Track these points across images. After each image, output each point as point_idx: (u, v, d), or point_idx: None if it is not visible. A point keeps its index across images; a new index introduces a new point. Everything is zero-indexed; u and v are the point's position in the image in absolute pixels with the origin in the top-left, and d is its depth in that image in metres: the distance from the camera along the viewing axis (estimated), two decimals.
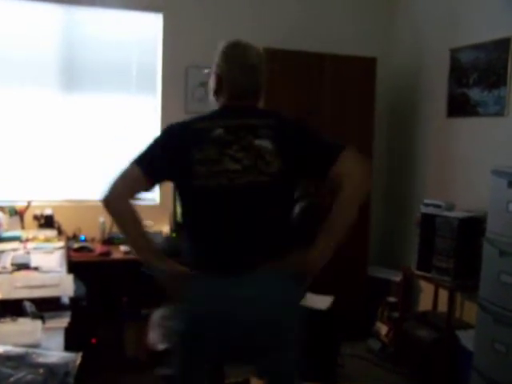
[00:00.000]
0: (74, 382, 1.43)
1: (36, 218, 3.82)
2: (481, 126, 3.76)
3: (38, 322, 1.89)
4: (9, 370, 1.40)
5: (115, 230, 3.83)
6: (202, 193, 1.85)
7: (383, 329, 4.15)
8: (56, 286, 2.32)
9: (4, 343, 1.62)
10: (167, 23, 4.18)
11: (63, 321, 2.00)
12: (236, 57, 1.97)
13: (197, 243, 1.92)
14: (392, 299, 4.17)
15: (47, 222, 3.81)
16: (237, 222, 1.86)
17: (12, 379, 1.37)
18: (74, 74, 4.03)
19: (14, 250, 3.13)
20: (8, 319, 1.90)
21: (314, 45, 4.25)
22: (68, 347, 1.76)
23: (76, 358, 1.54)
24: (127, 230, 1.90)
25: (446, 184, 4.09)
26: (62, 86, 4.01)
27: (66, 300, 2.19)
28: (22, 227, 3.74)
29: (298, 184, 1.99)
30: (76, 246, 3.69)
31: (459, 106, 3.95)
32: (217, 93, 2.00)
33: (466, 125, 3.91)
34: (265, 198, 1.88)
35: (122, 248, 3.70)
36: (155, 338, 3.14)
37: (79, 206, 4.02)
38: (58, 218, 3.87)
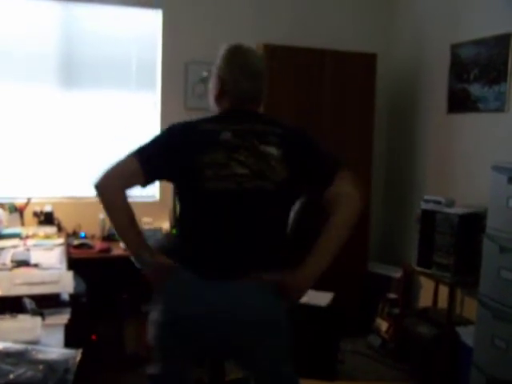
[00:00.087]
0: (73, 378, 1.43)
1: (36, 214, 3.82)
2: (481, 121, 3.75)
3: (38, 319, 1.89)
4: (8, 367, 1.40)
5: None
6: (207, 195, 1.84)
7: (383, 325, 4.15)
8: (56, 282, 2.32)
9: (4, 340, 1.62)
10: (167, 19, 4.17)
11: (63, 317, 2.00)
12: (239, 62, 1.96)
13: (191, 243, 1.90)
14: (392, 295, 4.17)
15: (47, 218, 3.81)
16: (238, 226, 1.85)
17: (12, 376, 1.36)
18: (73, 70, 4.03)
19: (14, 246, 3.13)
20: (8, 316, 1.90)
21: (314, 41, 4.24)
22: (68, 344, 1.76)
23: (76, 354, 1.54)
24: (116, 219, 1.88)
25: (446, 180, 4.08)
26: (61, 83, 4.01)
27: (65, 297, 2.19)
28: (22, 224, 3.74)
29: (298, 195, 1.99)
30: (76, 242, 3.69)
31: (459, 102, 3.94)
32: (218, 97, 1.98)
33: (466, 120, 3.90)
34: (268, 205, 1.87)
35: (122, 245, 3.69)
36: None
37: (79, 203, 4.02)
38: (57, 215, 3.87)
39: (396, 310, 4.05)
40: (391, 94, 4.76)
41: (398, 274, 4.17)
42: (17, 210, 3.75)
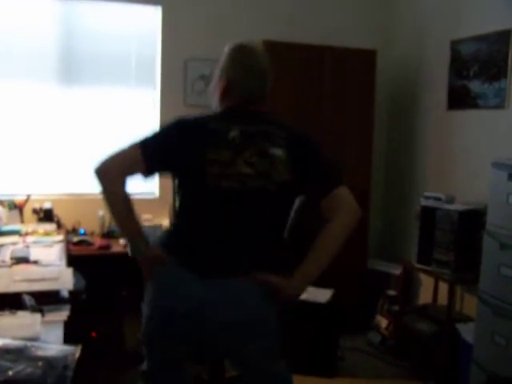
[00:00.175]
0: (72, 375, 1.43)
1: (35, 211, 3.82)
2: (481, 118, 3.75)
3: (37, 316, 1.89)
4: (8, 363, 1.40)
5: (114, 223, 3.83)
6: (209, 192, 1.84)
7: (383, 322, 4.15)
8: (55, 279, 2.32)
9: (3, 336, 1.62)
10: (166, 16, 4.17)
11: (62, 314, 1.99)
12: (244, 61, 1.95)
13: (187, 238, 1.90)
14: (392, 292, 4.17)
15: (46, 215, 3.81)
16: (237, 225, 1.85)
17: (11, 372, 1.36)
18: (72, 67, 4.02)
19: (14, 243, 3.13)
20: (7, 312, 1.90)
21: (313, 37, 4.23)
22: (67, 341, 1.76)
23: (75, 351, 1.54)
24: (114, 205, 1.88)
25: (446, 176, 4.08)
26: (61, 79, 4.00)
27: (65, 293, 2.19)
28: (22, 221, 3.74)
29: (297, 197, 1.99)
30: (75, 239, 3.69)
31: (459, 98, 3.93)
32: (223, 96, 1.97)
33: (466, 117, 3.89)
34: (268, 205, 1.87)
35: (122, 241, 3.70)
36: None
37: (78, 200, 4.02)
38: (57, 212, 3.86)
39: (396, 307, 4.04)
40: (391, 91, 4.75)
41: (397, 270, 4.16)
42: (16, 207, 3.75)
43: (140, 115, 4.19)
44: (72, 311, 2.04)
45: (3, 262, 2.70)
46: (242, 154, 1.83)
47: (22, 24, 3.87)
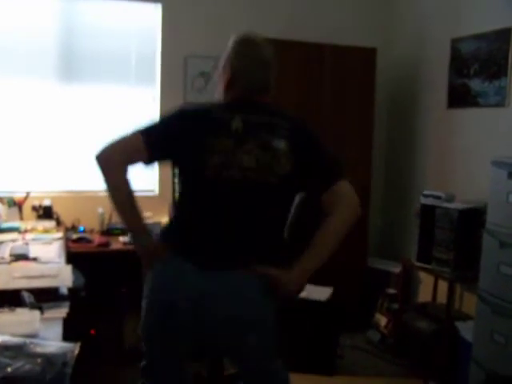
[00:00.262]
0: (71, 372, 1.42)
1: (35, 208, 3.81)
2: (481, 116, 3.74)
3: (36, 312, 1.89)
4: (7, 360, 1.40)
5: (114, 220, 3.83)
6: (211, 182, 1.83)
7: (383, 320, 4.15)
8: (54, 276, 2.32)
9: (2, 333, 1.61)
10: (166, 13, 4.16)
11: (61, 311, 1.99)
12: (250, 52, 1.96)
13: (188, 231, 1.89)
14: (391, 290, 4.17)
15: (46, 212, 3.80)
16: (237, 217, 1.84)
17: (10, 369, 1.36)
18: (72, 64, 4.01)
19: (13, 240, 3.12)
20: (6, 309, 1.89)
21: (313, 35, 4.22)
22: (66, 338, 1.75)
23: (74, 348, 1.53)
24: (115, 194, 1.87)
25: (445, 175, 4.07)
26: (61, 76, 3.99)
27: (64, 290, 2.18)
28: (21, 218, 3.73)
29: (299, 190, 1.98)
30: (75, 236, 3.68)
31: (460, 97, 3.93)
32: (227, 87, 1.97)
33: (466, 116, 3.89)
34: (269, 198, 1.86)
35: (121, 239, 3.70)
36: None
37: (78, 197, 4.02)
38: (56, 209, 3.86)
39: (395, 305, 4.05)
40: (391, 89, 4.75)
41: (397, 269, 4.16)
42: (16, 204, 3.75)
43: (140, 112, 4.18)
44: (71, 308, 2.03)
45: (2, 258, 2.70)
46: (244, 145, 1.82)
47: (22, 21, 3.86)
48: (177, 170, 2.00)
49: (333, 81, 4.19)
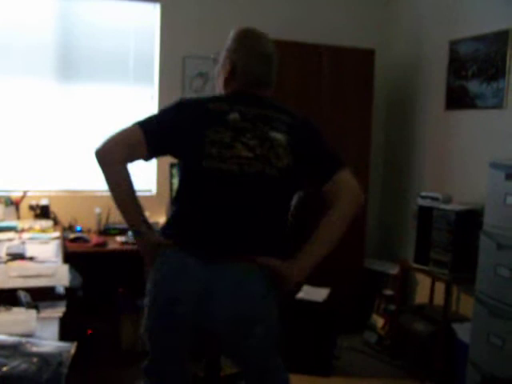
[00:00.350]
0: (67, 371, 1.42)
1: (32, 208, 3.80)
2: (479, 118, 3.75)
3: (33, 312, 1.88)
4: (2, 359, 1.39)
5: (111, 220, 3.83)
6: (209, 174, 1.82)
7: (379, 321, 4.15)
8: (51, 275, 2.31)
9: None
10: (164, 13, 4.15)
11: (58, 311, 1.98)
12: (251, 45, 1.95)
13: (189, 223, 1.87)
14: (388, 292, 4.18)
15: (43, 212, 3.79)
16: (237, 209, 1.83)
17: (5, 368, 1.35)
18: (70, 64, 4.01)
19: (10, 240, 3.11)
20: (2, 308, 1.89)
21: (311, 36, 4.22)
22: (63, 337, 1.75)
23: (70, 347, 1.53)
24: (115, 189, 1.86)
25: (443, 176, 4.08)
26: (59, 75, 3.99)
27: (60, 290, 2.17)
28: (18, 217, 3.72)
29: (300, 183, 1.97)
30: (72, 236, 3.67)
31: (457, 99, 3.93)
32: (228, 80, 1.97)
33: (464, 117, 3.89)
34: (269, 190, 1.85)
35: (118, 239, 3.69)
36: None
37: (75, 197, 4.01)
38: (53, 209, 3.85)
39: (392, 307, 4.05)
40: (389, 90, 4.75)
41: (394, 270, 4.17)
42: (13, 203, 3.74)
43: (138, 112, 4.18)
44: (68, 308, 2.03)
45: None
46: (242, 136, 1.82)
47: (20, 20, 3.85)
48: (177, 161, 2.00)
49: (331, 82, 4.19)
